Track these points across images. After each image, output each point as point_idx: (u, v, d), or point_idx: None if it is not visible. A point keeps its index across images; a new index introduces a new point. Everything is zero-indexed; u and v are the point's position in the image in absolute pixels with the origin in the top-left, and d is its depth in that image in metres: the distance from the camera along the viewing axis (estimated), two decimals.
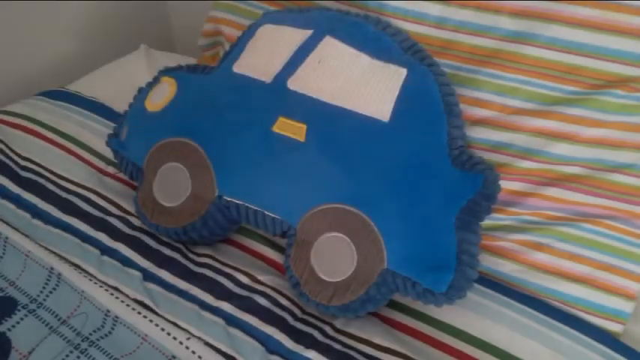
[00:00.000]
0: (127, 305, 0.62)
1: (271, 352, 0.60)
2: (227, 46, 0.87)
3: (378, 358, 0.60)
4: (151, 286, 0.65)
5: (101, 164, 0.82)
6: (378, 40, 0.68)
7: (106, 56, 1.05)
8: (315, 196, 0.64)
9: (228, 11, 0.89)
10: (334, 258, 0.63)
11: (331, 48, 0.67)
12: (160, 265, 0.68)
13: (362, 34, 0.68)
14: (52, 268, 0.64)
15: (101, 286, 0.63)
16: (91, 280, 0.64)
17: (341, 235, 0.62)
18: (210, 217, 0.69)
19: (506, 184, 0.68)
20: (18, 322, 0.61)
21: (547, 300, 0.68)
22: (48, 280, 0.64)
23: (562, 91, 0.67)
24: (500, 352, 0.62)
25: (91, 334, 0.60)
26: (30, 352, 0.59)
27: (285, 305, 0.65)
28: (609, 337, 0.64)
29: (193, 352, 0.58)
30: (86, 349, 0.59)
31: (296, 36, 0.69)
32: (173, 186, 0.70)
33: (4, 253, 0.67)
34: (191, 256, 0.71)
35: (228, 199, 0.68)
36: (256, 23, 0.75)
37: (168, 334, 0.60)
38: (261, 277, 0.68)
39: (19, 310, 0.62)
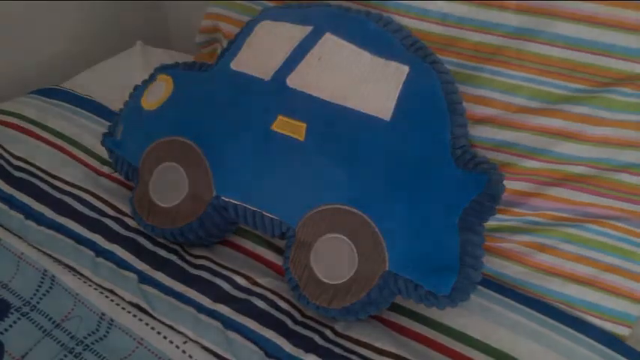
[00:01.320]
0: (123, 308, 0.61)
1: (270, 356, 0.59)
2: (225, 43, 0.86)
3: None
4: (147, 288, 0.64)
5: (96, 164, 0.81)
6: (380, 37, 0.67)
7: (102, 53, 1.04)
8: (315, 196, 0.63)
9: (226, 7, 0.88)
10: (334, 260, 0.62)
11: (331, 45, 0.66)
12: (156, 268, 0.67)
13: (363, 30, 0.67)
14: (45, 270, 0.64)
15: (96, 289, 0.63)
16: (85, 282, 0.63)
17: (341, 236, 0.61)
18: (207, 217, 0.68)
19: (510, 184, 0.67)
20: (11, 326, 0.60)
21: (552, 302, 0.67)
22: (41, 282, 0.63)
23: (567, 89, 0.67)
24: (503, 355, 0.62)
25: (85, 338, 0.59)
26: (23, 356, 0.58)
27: (284, 308, 0.64)
28: (615, 341, 0.63)
29: (190, 357, 0.57)
30: (80, 353, 0.58)
31: (295, 33, 0.68)
32: (170, 186, 0.69)
33: None
34: (188, 258, 0.70)
35: (226, 199, 0.67)
36: (255, 20, 0.74)
37: (165, 337, 0.59)
38: (259, 280, 0.67)
39: (12, 313, 0.61)
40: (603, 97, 0.65)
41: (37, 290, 0.63)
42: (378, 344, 0.61)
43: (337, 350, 0.60)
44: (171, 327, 0.61)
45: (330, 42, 0.67)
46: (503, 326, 0.63)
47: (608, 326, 0.66)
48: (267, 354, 0.59)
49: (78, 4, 1.10)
